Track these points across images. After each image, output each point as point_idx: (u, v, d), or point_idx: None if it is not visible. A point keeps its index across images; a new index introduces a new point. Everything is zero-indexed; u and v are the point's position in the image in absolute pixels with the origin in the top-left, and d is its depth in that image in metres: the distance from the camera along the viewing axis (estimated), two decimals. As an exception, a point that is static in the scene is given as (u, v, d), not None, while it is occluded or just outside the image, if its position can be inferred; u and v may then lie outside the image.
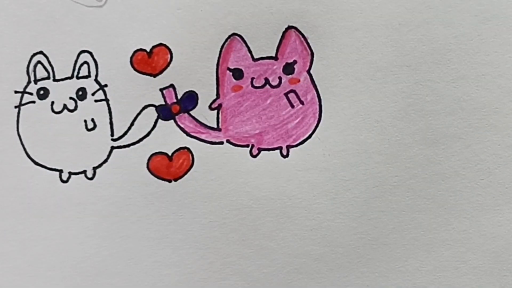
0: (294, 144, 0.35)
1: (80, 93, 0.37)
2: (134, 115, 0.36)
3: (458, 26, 0.33)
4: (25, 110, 0.37)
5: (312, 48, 0.35)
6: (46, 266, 0.36)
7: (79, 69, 0.37)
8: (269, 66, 0.35)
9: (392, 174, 0.33)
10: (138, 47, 0.36)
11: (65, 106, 0.37)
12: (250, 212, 0.35)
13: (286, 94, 0.35)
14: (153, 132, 0.36)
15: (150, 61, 0.36)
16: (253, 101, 0.35)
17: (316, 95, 0.34)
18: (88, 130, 0.37)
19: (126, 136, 0.36)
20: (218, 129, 0.36)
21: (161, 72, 0.36)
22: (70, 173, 0.36)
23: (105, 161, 0.36)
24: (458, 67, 0.33)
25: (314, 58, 0.34)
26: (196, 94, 0.36)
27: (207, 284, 0.35)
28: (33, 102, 0.37)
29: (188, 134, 0.36)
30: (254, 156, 0.35)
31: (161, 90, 0.36)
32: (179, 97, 0.36)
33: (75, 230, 0.36)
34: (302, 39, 0.35)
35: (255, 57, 0.35)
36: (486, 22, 0.33)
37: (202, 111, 0.36)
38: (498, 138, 0.32)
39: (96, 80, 0.37)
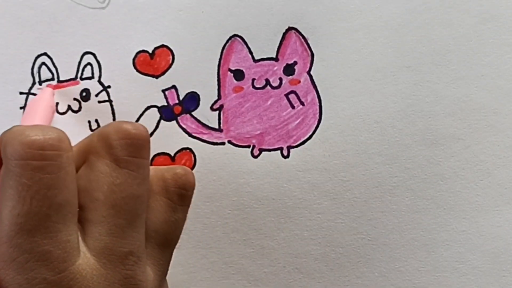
0: (295, 144, 0.35)
1: (84, 94, 0.37)
2: (137, 116, 0.36)
3: (457, 27, 0.33)
4: (29, 111, 0.38)
5: (312, 49, 0.35)
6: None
7: (83, 70, 0.37)
8: (270, 67, 0.35)
9: (392, 175, 0.33)
10: (141, 49, 0.36)
11: (69, 107, 0.37)
12: (251, 212, 0.35)
13: (286, 95, 0.35)
14: (155, 132, 0.36)
15: (152, 62, 0.36)
16: (254, 102, 0.35)
17: (316, 96, 0.34)
18: (92, 130, 0.37)
19: (129, 137, 0.36)
20: (219, 129, 0.36)
21: (163, 73, 0.36)
22: (74, 174, 0.37)
23: (108, 161, 0.36)
24: (457, 68, 0.33)
25: (314, 59, 0.34)
26: (198, 95, 0.36)
27: (209, 283, 0.35)
28: (38, 103, 0.37)
29: (190, 135, 0.36)
30: (255, 157, 0.35)
31: (163, 91, 0.36)
32: (181, 98, 0.36)
33: (78, 229, 0.36)
34: (303, 40, 0.35)
35: (256, 58, 0.35)
36: (486, 23, 0.33)
37: (203, 112, 0.36)
38: (498, 139, 0.32)
39: (99, 81, 0.37)
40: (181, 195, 0.31)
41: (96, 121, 0.37)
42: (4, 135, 0.26)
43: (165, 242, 0.31)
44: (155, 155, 0.36)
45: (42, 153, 0.25)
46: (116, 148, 0.28)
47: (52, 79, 0.37)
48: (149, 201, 0.30)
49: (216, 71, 0.36)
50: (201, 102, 0.36)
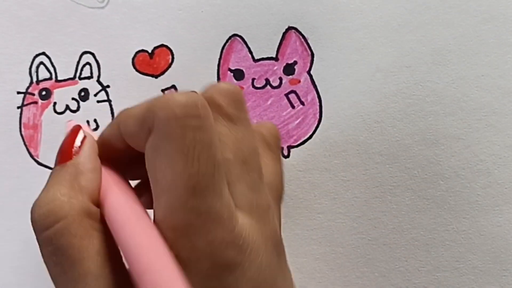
0: (295, 144, 0.35)
1: (83, 94, 0.37)
2: (137, 116, 0.36)
3: (457, 27, 0.33)
4: (27, 111, 0.37)
5: (312, 49, 0.35)
6: (49, 265, 0.37)
7: (82, 70, 0.37)
8: (270, 66, 0.35)
9: (392, 175, 0.33)
10: (140, 48, 0.36)
11: (67, 107, 0.37)
12: (251, 212, 0.35)
13: (286, 95, 0.35)
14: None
15: (151, 62, 0.36)
16: (254, 101, 0.35)
17: (316, 95, 0.34)
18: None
19: (128, 137, 0.36)
20: (219, 129, 0.36)
21: (162, 73, 0.36)
22: (73, 174, 0.37)
23: (107, 161, 0.36)
24: (457, 68, 0.33)
25: (314, 59, 0.35)
26: (198, 95, 0.36)
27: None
28: (36, 102, 0.37)
29: (189, 135, 0.36)
30: (255, 156, 0.35)
31: (162, 90, 0.36)
32: (180, 97, 0.36)
33: (77, 230, 0.36)
34: (302, 39, 0.35)
35: (256, 57, 0.35)
36: (486, 23, 0.33)
37: (203, 112, 0.36)
38: (498, 139, 0.33)
39: (98, 81, 0.37)
40: (279, 147, 0.31)
41: (95, 121, 0.37)
42: (152, 103, 0.25)
43: (278, 194, 0.31)
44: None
45: (197, 112, 0.24)
46: (226, 107, 0.27)
47: (50, 78, 0.37)
48: None
49: (216, 70, 0.36)
50: (200, 102, 0.36)
